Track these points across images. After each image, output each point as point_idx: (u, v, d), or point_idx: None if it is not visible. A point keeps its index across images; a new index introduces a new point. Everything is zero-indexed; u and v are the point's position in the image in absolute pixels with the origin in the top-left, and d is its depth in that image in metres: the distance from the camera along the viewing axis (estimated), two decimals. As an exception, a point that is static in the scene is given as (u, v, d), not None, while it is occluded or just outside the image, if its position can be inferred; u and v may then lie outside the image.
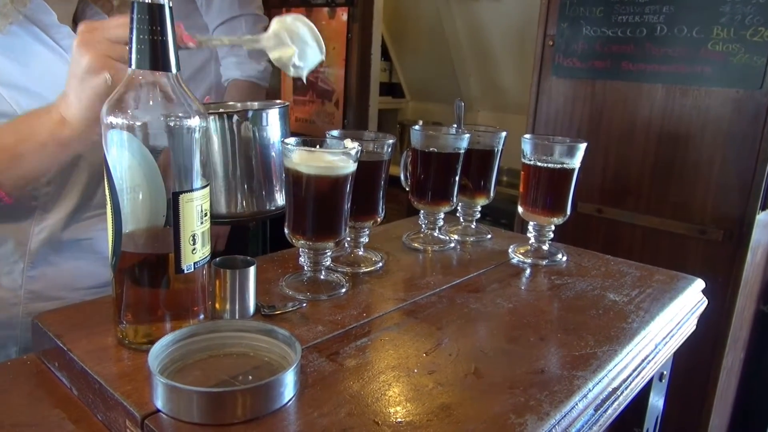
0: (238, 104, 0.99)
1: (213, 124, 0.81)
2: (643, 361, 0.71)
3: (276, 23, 0.74)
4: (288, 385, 0.52)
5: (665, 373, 0.90)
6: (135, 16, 0.55)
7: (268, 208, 0.93)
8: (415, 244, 0.99)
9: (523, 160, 0.96)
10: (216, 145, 0.83)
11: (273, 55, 0.75)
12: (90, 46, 0.65)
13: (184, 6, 1.60)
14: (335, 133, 0.86)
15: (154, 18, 0.55)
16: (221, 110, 0.85)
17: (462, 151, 0.96)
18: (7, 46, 0.78)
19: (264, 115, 0.84)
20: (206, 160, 0.61)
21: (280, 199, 0.87)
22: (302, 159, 0.72)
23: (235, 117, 0.81)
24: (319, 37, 0.76)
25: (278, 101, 0.94)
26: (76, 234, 0.88)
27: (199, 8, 1.62)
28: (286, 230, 0.77)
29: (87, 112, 0.67)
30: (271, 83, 2.95)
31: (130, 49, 0.56)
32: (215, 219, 0.87)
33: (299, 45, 0.75)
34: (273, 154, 0.87)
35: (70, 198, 0.86)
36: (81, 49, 0.65)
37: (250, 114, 0.82)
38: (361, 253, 0.89)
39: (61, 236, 0.87)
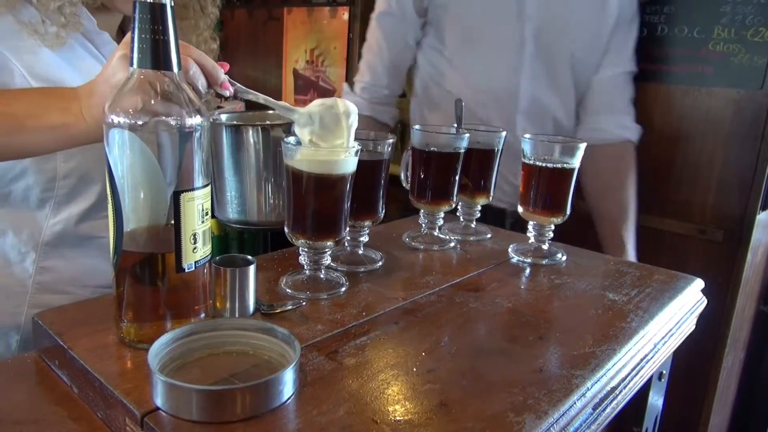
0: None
1: (253, 135, 0.83)
2: (641, 360, 0.71)
3: (317, 106, 0.73)
4: (287, 384, 0.52)
5: (664, 372, 0.90)
6: (137, 16, 0.55)
7: None
8: (415, 244, 1.00)
9: (523, 159, 0.96)
10: (252, 154, 0.84)
11: (298, 131, 0.74)
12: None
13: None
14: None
15: (155, 17, 0.55)
16: (258, 123, 0.87)
17: (462, 151, 0.96)
18: (67, 58, 0.81)
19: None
20: (208, 159, 0.61)
21: None
22: (302, 158, 0.73)
23: (272, 130, 0.83)
24: (349, 132, 0.74)
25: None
26: (92, 231, 0.88)
27: (602, 45, 1.38)
28: (286, 229, 0.77)
29: None
30: (271, 82, 2.97)
31: (132, 48, 0.56)
32: (248, 225, 0.89)
33: (324, 129, 0.73)
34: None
35: (88, 195, 0.87)
36: (124, 63, 0.64)
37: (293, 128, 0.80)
38: (361, 252, 0.90)
39: (76, 231, 0.87)
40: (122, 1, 0.87)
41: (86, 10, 0.85)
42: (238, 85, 0.73)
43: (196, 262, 0.61)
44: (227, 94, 0.71)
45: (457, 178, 0.97)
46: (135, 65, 0.56)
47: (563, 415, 0.55)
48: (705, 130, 1.59)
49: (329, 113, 0.72)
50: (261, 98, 0.75)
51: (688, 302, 0.87)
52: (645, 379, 0.74)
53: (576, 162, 0.93)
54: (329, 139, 0.73)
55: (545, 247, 0.97)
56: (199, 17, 1.01)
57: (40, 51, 0.80)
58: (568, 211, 0.95)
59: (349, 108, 0.73)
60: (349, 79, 2.85)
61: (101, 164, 0.85)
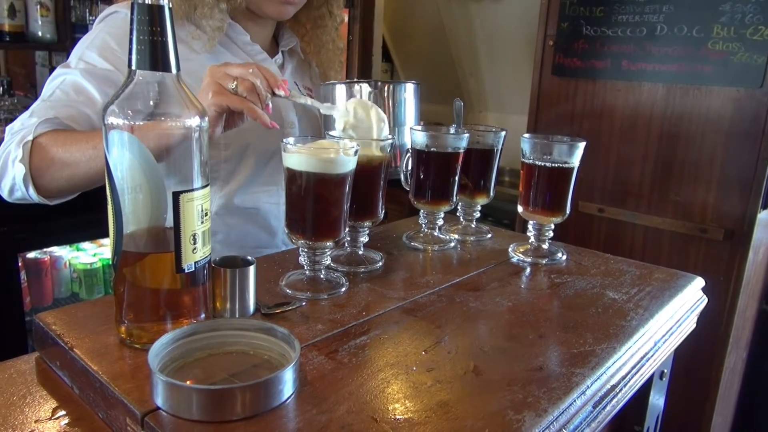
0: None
1: (346, 92, 0.98)
2: (642, 358, 0.71)
3: (352, 102, 0.87)
4: (287, 383, 0.53)
5: (666, 371, 0.90)
6: (135, 17, 0.55)
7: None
8: (416, 244, 1.00)
9: (522, 159, 0.96)
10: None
11: (337, 122, 0.87)
12: (210, 76, 0.82)
13: None
14: (334, 132, 0.87)
15: (154, 19, 0.55)
16: (367, 80, 0.98)
17: (461, 151, 0.96)
18: (213, 62, 0.90)
19: (401, 87, 0.99)
20: (207, 159, 0.61)
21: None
22: (301, 158, 0.73)
23: (367, 87, 0.95)
24: (379, 120, 0.87)
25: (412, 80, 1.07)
26: (245, 203, 1.08)
27: None
28: (285, 229, 0.77)
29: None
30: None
31: (131, 49, 0.57)
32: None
33: (360, 120, 0.86)
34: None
35: (241, 175, 1.06)
36: (206, 78, 0.82)
37: (378, 84, 0.95)
38: (361, 252, 0.90)
39: (234, 203, 1.06)
40: (263, 3, 1.02)
41: (241, 27, 1.05)
42: (294, 90, 0.88)
43: (195, 263, 0.61)
44: (282, 94, 0.85)
45: (456, 178, 0.97)
46: (134, 66, 0.57)
47: (563, 412, 0.55)
48: (705, 129, 1.59)
49: (361, 106, 0.86)
50: (309, 101, 0.90)
51: (689, 301, 0.87)
52: (646, 378, 0.74)
53: (575, 161, 0.93)
54: (360, 129, 0.85)
55: (545, 246, 0.97)
56: (328, 19, 1.17)
57: (194, 57, 1.00)
58: (568, 211, 0.95)
59: (376, 106, 0.88)
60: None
61: (249, 152, 1.06)
